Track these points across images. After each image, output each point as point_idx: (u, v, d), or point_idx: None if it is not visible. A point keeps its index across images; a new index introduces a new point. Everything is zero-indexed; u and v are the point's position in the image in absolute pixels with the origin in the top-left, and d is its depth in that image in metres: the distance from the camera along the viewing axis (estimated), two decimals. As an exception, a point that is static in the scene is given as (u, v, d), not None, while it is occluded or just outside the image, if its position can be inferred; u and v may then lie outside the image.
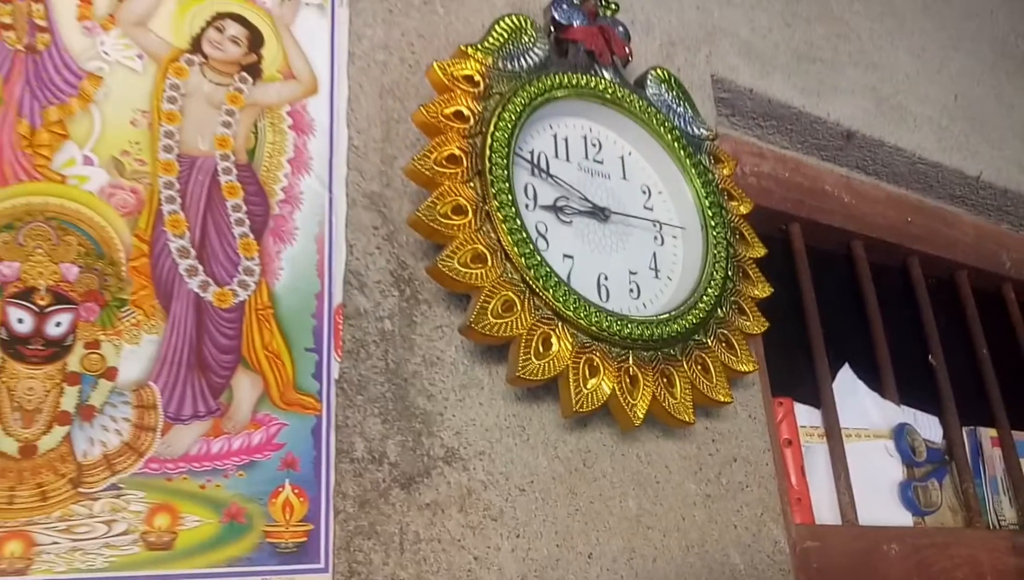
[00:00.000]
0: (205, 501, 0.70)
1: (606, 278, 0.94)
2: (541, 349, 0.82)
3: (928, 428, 1.44)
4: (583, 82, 0.99)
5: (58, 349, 0.69)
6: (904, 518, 1.31)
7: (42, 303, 0.69)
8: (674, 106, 1.09)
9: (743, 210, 1.09)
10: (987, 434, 1.53)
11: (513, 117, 0.89)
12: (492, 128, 0.88)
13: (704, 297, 0.97)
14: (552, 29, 1.01)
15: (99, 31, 0.78)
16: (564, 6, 1.01)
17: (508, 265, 0.83)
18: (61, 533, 0.65)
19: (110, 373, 0.70)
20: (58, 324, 0.69)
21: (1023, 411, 1.60)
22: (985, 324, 1.66)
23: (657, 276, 1.00)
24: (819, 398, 1.33)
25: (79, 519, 0.66)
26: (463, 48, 0.92)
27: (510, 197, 0.85)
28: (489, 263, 0.82)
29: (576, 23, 1.01)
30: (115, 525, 0.67)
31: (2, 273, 0.68)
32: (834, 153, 1.48)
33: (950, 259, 1.63)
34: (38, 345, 0.68)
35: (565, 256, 0.92)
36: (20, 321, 0.68)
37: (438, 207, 0.82)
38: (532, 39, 0.97)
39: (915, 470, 1.36)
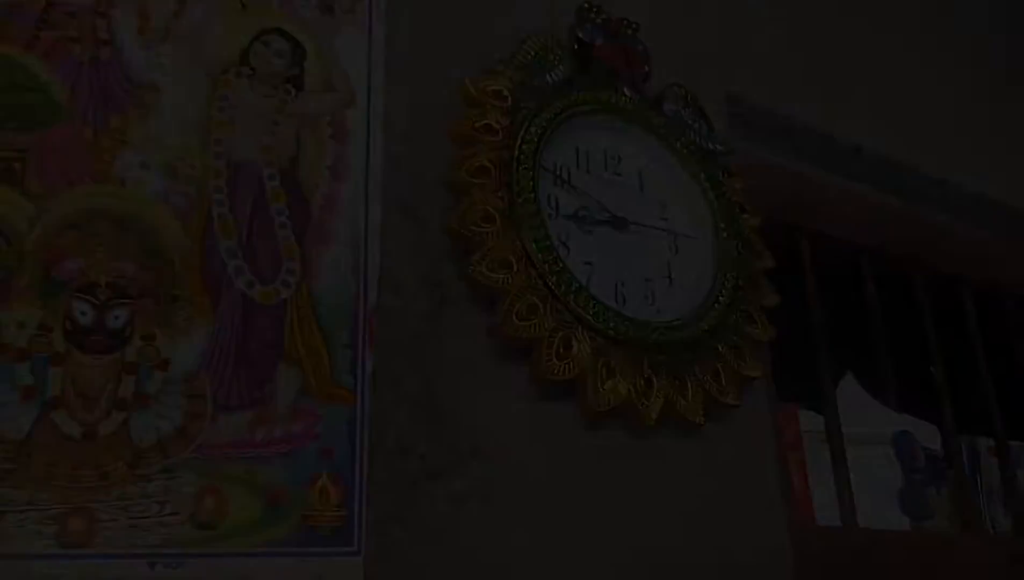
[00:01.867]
0: (249, 485, 0.75)
1: (623, 285, 0.99)
2: (562, 351, 0.88)
3: (928, 436, 1.49)
4: (605, 98, 1.04)
5: (117, 341, 0.74)
6: (902, 522, 1.36)
7: (103, 297, 0.74)
8: (690, 122, 1.14)
9: (754, 222, 1.14)
10: (985, 443, 1.57)
11: (539, 131, 0.95)
12: (519, 141, 0.93)
13: (715, 305, 1.02)
14: (576, 48, 1.06)
15: (157, 45, 0.83)
16: (588, 26, 1.07)
17: (532, 271, 0.89)
18: (119, 511, 0.70)
19: (164, 364, 0.75)
20: (117, 317, 0.74)
21: (1021, 422, 1.64)
22: (985, 336, 1.70)
23: (671, 284, 1.05)
24: (822, 404, 1.37)
25: (135, 499, 0.71)
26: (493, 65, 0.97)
27: (535, 207, 0.91)
28: (515, 269, 0.87)
29: (599, 42, 1.07)
30: (167, 505, 0.72)
31: (68, 269, 0.73)
32: (842, 168, 1.53)
33: (953, 272, 1.67)
34: (99, 336, 0.73)
35: (585, 263, 0.97)
36: (83, 314, 0.73)
37: (468, 215, 0.87)
38: (557, 57, 1.02)
39: (914, 476, 1.40)
